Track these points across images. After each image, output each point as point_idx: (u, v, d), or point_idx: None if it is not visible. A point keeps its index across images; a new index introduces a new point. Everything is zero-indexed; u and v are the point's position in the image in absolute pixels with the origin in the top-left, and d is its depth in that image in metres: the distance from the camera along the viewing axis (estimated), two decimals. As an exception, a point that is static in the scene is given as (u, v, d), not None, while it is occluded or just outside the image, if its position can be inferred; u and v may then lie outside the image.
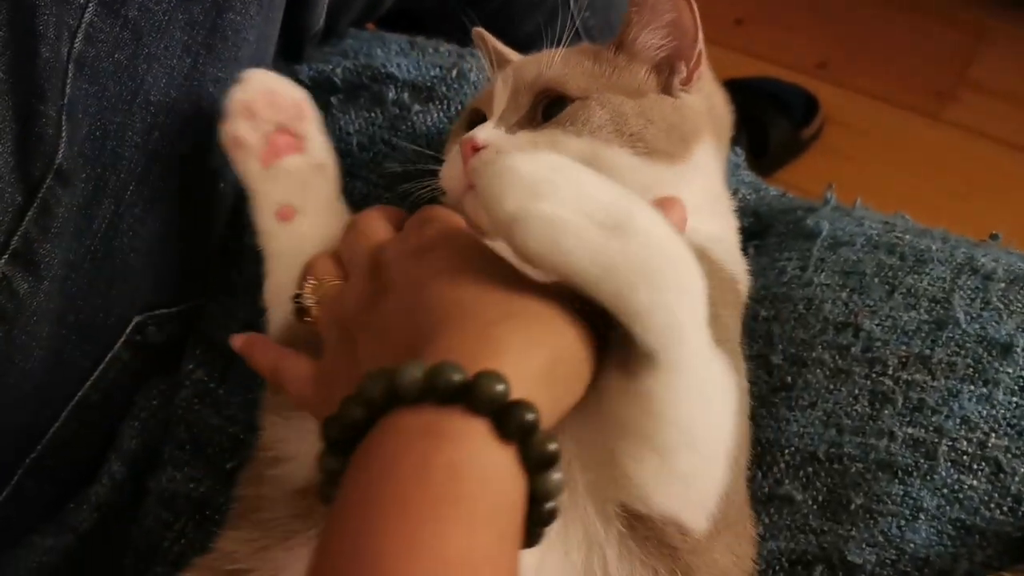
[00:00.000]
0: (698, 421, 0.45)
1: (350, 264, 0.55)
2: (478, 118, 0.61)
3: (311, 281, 0.55)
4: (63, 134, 0.59)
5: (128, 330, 0.67)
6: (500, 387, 0.36)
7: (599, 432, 0.46)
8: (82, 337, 0.65)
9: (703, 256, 0.49)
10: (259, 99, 0.60)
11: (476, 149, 0.56)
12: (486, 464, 0.36)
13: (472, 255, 0.47)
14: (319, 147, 0.62)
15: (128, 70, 0.62)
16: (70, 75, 0.59)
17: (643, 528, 0.46)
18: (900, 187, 1.55)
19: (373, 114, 0.77)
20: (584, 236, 0.41)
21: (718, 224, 0.61)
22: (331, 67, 0.79)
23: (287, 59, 0.80)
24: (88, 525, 0.64)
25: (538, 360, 0.40)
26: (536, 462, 0.37)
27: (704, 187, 0.60)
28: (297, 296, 0.56)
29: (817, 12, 1.84)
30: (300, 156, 0.61)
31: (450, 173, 0.59)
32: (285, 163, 0.60)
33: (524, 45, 0.96)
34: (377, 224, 0.56)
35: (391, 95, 0.77)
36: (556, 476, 0.38)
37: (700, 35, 0.59)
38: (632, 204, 0.43)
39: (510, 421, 0.36)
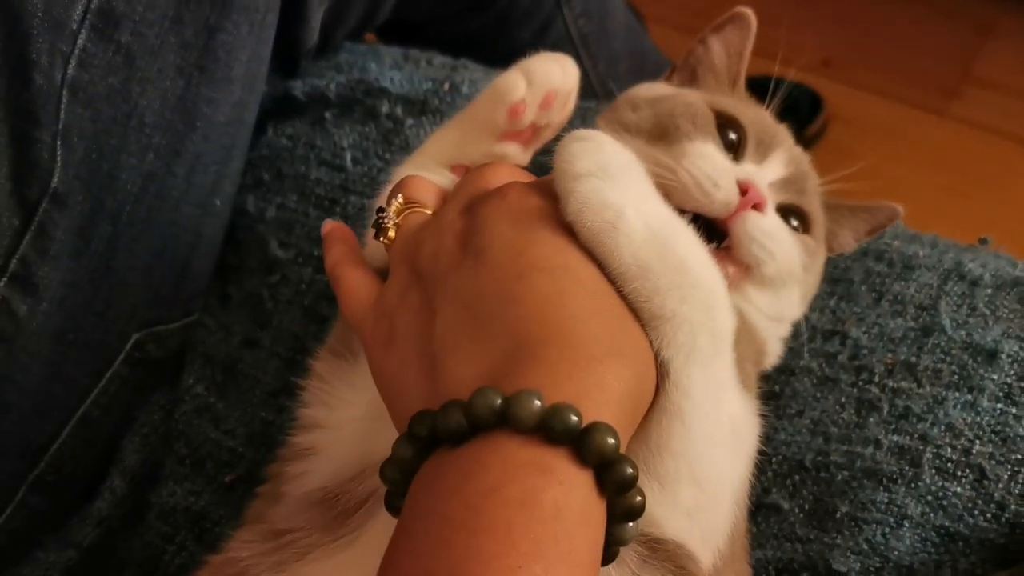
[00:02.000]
0: (705, 457, 0.43)
1: (449, 199, 0.48)
2: (733, 133, 0.56)
3: (398, 200, 0.49)
4: (58, 158, 0.60)
5: (128, 347, 0.68)
6: (611, 441, 0.36)
7: None
8: (82, 355, 0.66)
9: (739, 315, 0.49)
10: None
11: (758, 206, 0.52)
12: (588, 511, 0.36)
13: (580, 252, 0.42)
14: None
15: (122, 93, 0.63)
16: (64, 100, 0.60)
17: (662, 550, 0.45)
18: (906, 184, 1.54)
19: (367, 128, 0.78)
20: (632, 222, 0.41)
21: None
22: (325, 82, 0.80)
23: (282, 74, 0.81)
24: (90, 539, 0.66)
25: (632, 409, 0.40)
26: (623, 513, 0.38)
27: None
28: (380, 211, 0.49)
29: (821, 10, 1.83)
30: None
31: (715, 189, 0.51)
32: None
33: (518, 53, 0.97)
34: (502, 173, 0.48)
35: (384, 109, 0.78)
36: (636, 529, 0.39)
37: None
38: (684, 233, 0.44)
39: (612, 476, 0.37)
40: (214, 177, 0.70)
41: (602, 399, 0.38)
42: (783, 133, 0.59)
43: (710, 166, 0.52)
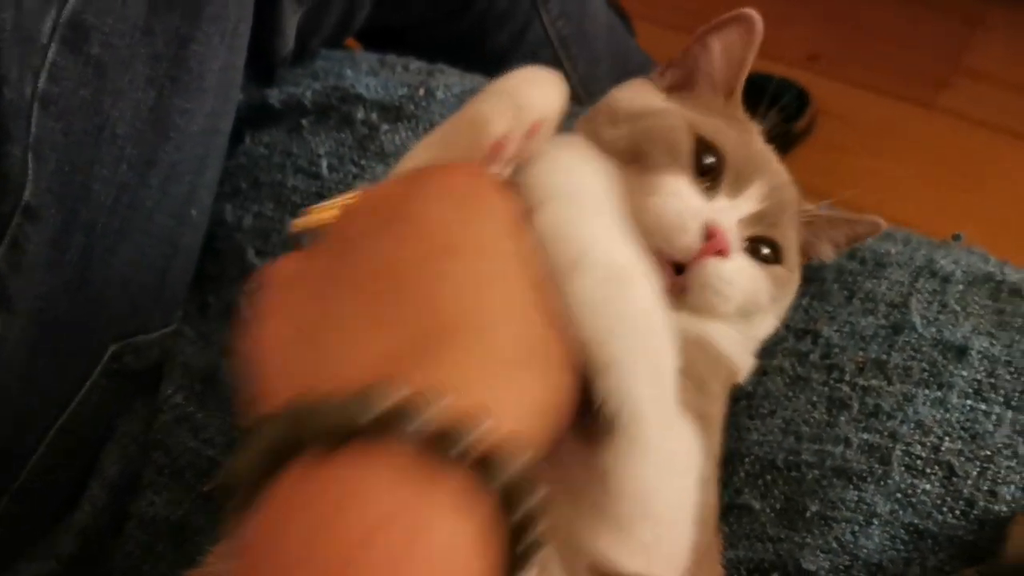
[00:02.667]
0: (657, 492, 0.43)
1: None
2: (711, 162, 0.53)
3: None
4: (29, 172, 0.60)
5: (106, 358, 0.68)
6: (523, 462, 0.31)
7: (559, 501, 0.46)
8: (60, 367, 0.66)
9: (706, 343, 0.51)
10: None
11: (723, 252, 0.50)
12: (484, 545, 0.31)
13: (526, 245, 0.39)
14: None
15: (94, 105, 0.63)
16: (35, 114, 0.60)
17: None
18: (896, 177, 1.55)
19: (343, 135, 0.78)
20: (595, 270, 0.40)
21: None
22: (301, 90, 0.80)
23: (259, 82, 0.82)
24: (71, 550, 0.66)
25: (547, 427, 0.36)
26: (527, 548, 0.32)
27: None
28: None
29: (809, 5, 1.83)
30: None
31: (681, 232, 0.50)
32: None
33: (497, 56, 0.97)
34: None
35: (360, 115, 0.78)
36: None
37: None
38: (637, 272, 0.42)
39: (519, 504, 0.31)
40: (189, 187, 0.70)
41: (517, 411, 0.33)
42: (765, 160, 0.57)
43: (678, 207, 0.50)
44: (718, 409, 0.52)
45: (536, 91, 0.50)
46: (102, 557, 0.67)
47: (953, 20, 1.75)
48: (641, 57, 1.23)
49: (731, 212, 0.52)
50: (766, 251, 0.54)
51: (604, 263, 0.41)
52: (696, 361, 0.47)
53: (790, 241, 0.56)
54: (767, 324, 0.57)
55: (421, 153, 0.53)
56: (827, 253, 0.62)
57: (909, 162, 1.59)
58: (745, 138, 0.56)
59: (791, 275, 0.57)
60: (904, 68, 1.70)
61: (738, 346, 0.54)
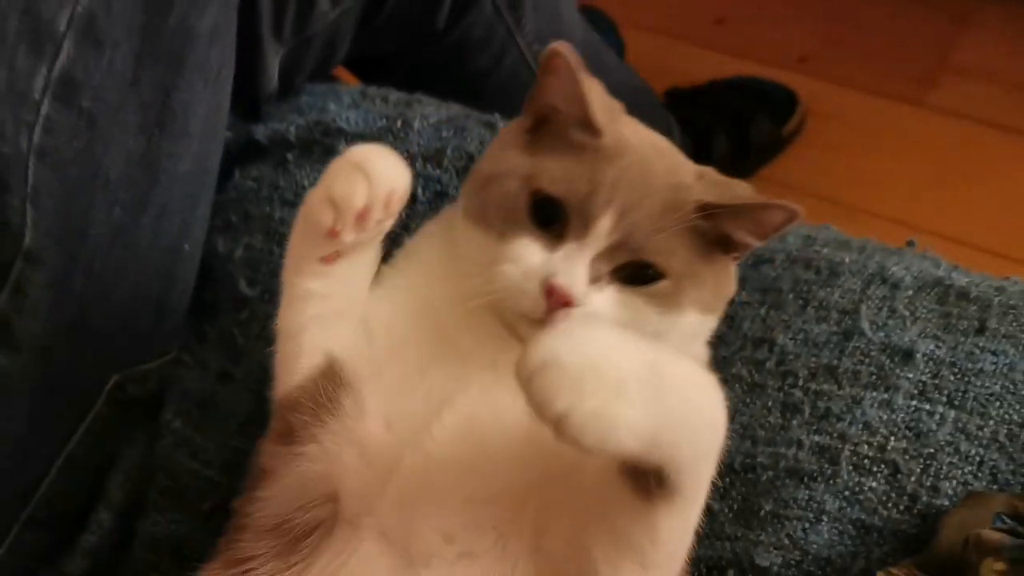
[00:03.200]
0: (688, 534, 0.50)
1: None
2: (553, 212, 0.55)
3: None
4: (28, 220, 0.65)
5: (108, 388, 0.73)
6: None
7: (574, 525, 0.49)
8: (64, 399, 0.71)
9: None
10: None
11: (568, 304, 0.53)
12: None
13: None
14: None
15: (87, 154, 0.68)
16: (32, 166, 0.65)
17: None
18: (886, 175, 1.57)
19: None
20: (631, 421, 0.42)
21: (704, 345, 0.63)
22: (286, 125, 0.84)
23: (246, 119, 0.86)
24: (80, 571, 0.71)
25: None
26: None
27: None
28: None
29: (797, 7, 1.86)
30: None
31: (523, 299, 0.54)
32: None
33: (473, 81, 1.01)
34: None
35: (341, 147, 0.81)
36: None
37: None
38: (665, 365, 0.43)
39: None
40: (181, 224, 0.74)
41: None
42: (622, 182, 0.55)
43: (515, 274, 0.53)
44: None
45: (382, 164, 0.55)
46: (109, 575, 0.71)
47: (940, 18, 1.76)
48: (622, 73, 1.27)
49: (578, 257, 0.53)
50: (643, 273, 0.55)
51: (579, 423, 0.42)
52: None
53: (666, 252, 0.55)
54: (688, 324, 0.57)
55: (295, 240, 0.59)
56: (747, 241, 0.59)
57: (900, 159, 1.60)
58: (599, 167, 0.55)
59: (678, 282, 0.56)
60: (893, 67, 1.72)
61: (697, 356, 0.59)
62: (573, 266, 0.53)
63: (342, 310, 0.58)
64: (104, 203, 0.69)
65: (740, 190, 0.58)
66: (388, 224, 0.57)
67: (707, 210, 0.55)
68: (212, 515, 0.71)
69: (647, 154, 0.57)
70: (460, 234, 0.58)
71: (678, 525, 0.48)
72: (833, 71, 1.74)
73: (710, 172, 0.59)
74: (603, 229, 0.53)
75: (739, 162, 1.55)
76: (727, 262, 0.59)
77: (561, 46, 0.56)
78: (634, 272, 0.54)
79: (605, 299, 0.54)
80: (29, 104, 0.65)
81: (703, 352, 0.61)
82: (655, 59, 1.71)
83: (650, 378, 0.42)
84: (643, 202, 0.54)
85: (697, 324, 0.58)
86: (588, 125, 0.56)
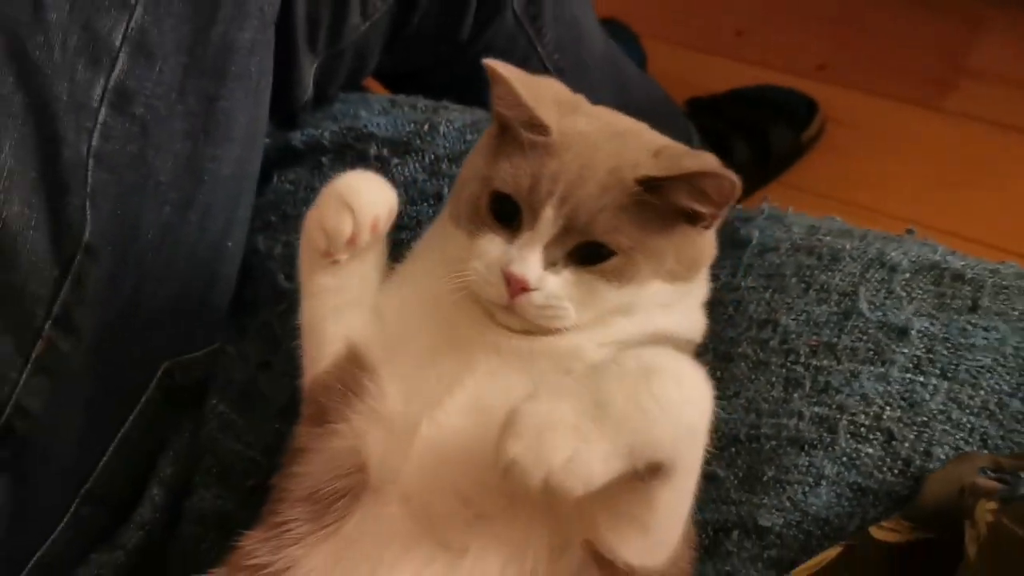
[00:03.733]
0: (686, 503, 0.54)
1: None
2: (509, 208, 0.60)
3: None
4: (87, 218, 0.71)
5: (158, 375, 0.79)
6: None
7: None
8: (120, 384, 0.77)
9: (665, 340, 0.61)
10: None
11: (525, 288, 0.58)
12: None
13: None
14: None
15: (139, 158, 0.74)
16: (90, 168, 0.71)
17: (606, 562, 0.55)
18: (905, 178, 1.60)
19: (358, 169, 0.87)
20: (600, 452, 0.47)
21: (688, 309, 0.67)
22: (320, 131, 0.90)
23: (283, 126, 0.92)
24: (135, 543, 0.76)
25: None
26: None
27: (700, 285, 0.67)
28: None
29: (814, 16, 1.90)
30: None
31: (489, 288, 0.59)
32: None
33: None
34: None
35: (373, 151, 0.88)
36: None
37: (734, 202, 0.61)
38: (607, 382, 0.48)
39: None
40: (224, 223, 0.80)
41: None
42: (563, 171, 0.58)
43: (480, 267, 0.59)
44: None
45: (366, 195, 0.62)
46: (161, 548, 0.76)
47: (954, 22, 1.80)
48: (643, 81, 1.31)
49: (531, 246, 0.58)
50: (598, 250, 0.58)
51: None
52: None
53: (618, 227, 0.58)
54: (661, 292, 0.61)
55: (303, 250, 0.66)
56: (705, 210, 0.60)
57: (918, 163, 1.63)
58: (543, 161, 0.59)
59: (631, 257, 0.58)
60: (909, 72, 1.75)
61: (677, 322, 0.63)
62: (526, 254, 0.58)
63: (355, 300, 0.65)
64: (154, 203, 0.75)
65: (690, 161, 0.60)
66: (384, 232, 0.65)
67: (646, 184, 0.58)
68: (254, 492, 0.77)
69: (596, 140, 0.61)
70: (447, 234, 0.64)
71: (675, 496, 0.52)
72: (851, 78, 1.77)
73: (671, 147, 0.62)
74: (548, 217, 0.58)
75: (760, 169, 1.59)
76: (692, 232, 0.61)
77: (491, 61, 0.61)
78: (590, 253, 0.58)
79: (561, 281, 0.58)
80: (88, 112, 0.71)
81: (693, 317, 0.65)
82: (677, 70, 1.76)
83: (595, 406, 0.48)
84: (582, 186, 0.58)
85: (666, 293, 0.61)
86: (536, 125, 0.60)
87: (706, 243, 0.64)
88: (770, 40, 1.87)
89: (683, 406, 0.49)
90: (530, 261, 0.58)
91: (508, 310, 0.59)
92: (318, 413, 0.64)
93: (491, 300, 0.59)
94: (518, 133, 0.60)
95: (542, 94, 0.62)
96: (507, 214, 0.60)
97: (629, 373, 0.49)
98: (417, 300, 0.64)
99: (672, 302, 0.62)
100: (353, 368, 0.62)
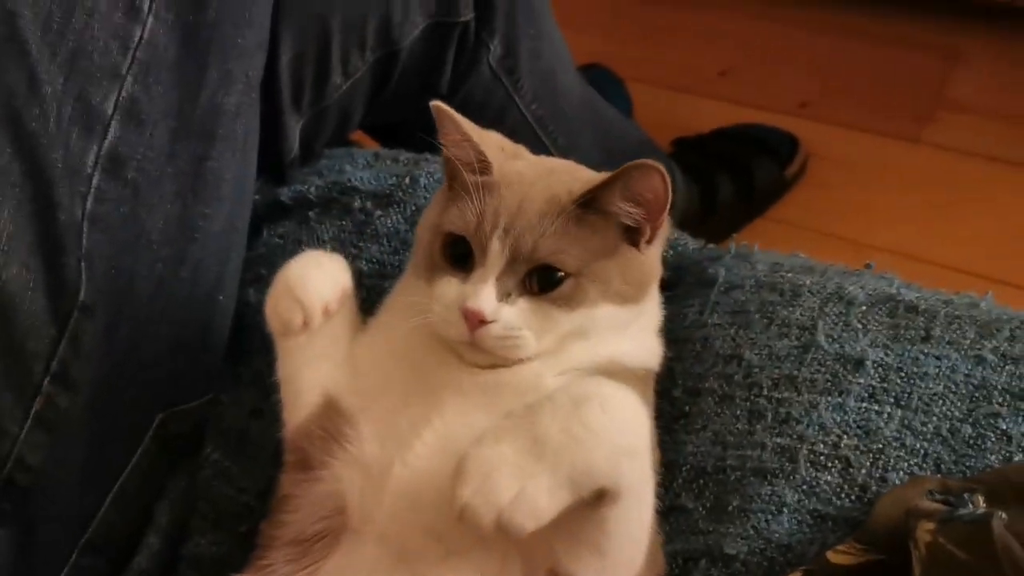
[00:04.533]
0: (641, 523, 0.57)
1: None
2: (461, 249, 0.64)
3: None
4: (83, 277, 0.74)
5: (154, 426, 0.82)
6: None
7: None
8: (116, 436, 0.80)
9: (620, 368, 0.64)
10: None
11: (483, 321, 0.61)
12: None
13: None
14: None
15: (132, 219, 0.77)
16: (85, 230, 0.75)
17: None
18: (888, 210, 1.63)
19: (343, 222, 0.91)
20: (544, 486, 0.50)
21: (641, 335, 0.70)
22: (307, 187, 0.94)
23: (271, 183, 0.96)
24: (133, 590, 0.79)
25: None
26: None
27: (651, 309, 0.71)
28: None
29: (796, 55, 1.94)
30: None
31: (450, 328, 0.63)
32: None
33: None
34: None
35: (357, 204, 0.91)
36: None
37: (668, 206, 0.65)
38: (540, 417, 0.52)
39: None
40: (215, 278, 0.84)
41: None
42: (504, 206, 0.63)
43: (439, 310, 0.63)
44: (642, 394, 0.63)
45: (313, 284, 0.67)
46: (159, 594, 0.79)
47: (933, 57, 1.84)
48: (623, 124, 1.35)
49: (485, 279, 0.62)
50: (548, 277, 0.62)
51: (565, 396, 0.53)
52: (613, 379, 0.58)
53: (562, 249, 0.62)
54: (612, 314, 0.64)
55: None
56: (642, 218, 0.64)
57: (901, 195, 1.66)
58: (485, 199, 0.63)
59: (585, 275, 0.62)
60: (890, 106, 1.79)
61: (631, 349, 0.66)
62: (479, 289, 0.61)
63: (327, 354, 0.69)
64: (147, 260, 0.79)
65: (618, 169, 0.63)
66: (336, 311, 0.69)
67: (582, 202, 0.63)
68: (249, 537, 0.79)
69: (532, 177, 0.65)
70: (410, 287, 0.68)
71: (626, 517, 0.55)
72: (833, 114, 1.81)
73: (600, 175, 0.66)
74: (496, 250, 0.62)
75: (744, 205, 1.63)
76: (635, 252, 0.65)
77: (436, 104, 0.66)
78: (543, 280, 0.62)
79: (516, 311, 0.62)
80: (82, 178, 0.75)
81: (647, 344, 0.68)
82: (661, 111, 1.80)
83: (533, 443, 0.51)
84: (523, 216, 0.62)
85: (617, 316, 0.65)
86: (480, 162, 0.65)
87: (650, 262, 0.67)
88: (752, 80, 1.91)
89: (613, 430, 0.52)
90: (483, 295, 0.61)
91: (472, 346, 0.62)
92: (301, 460, 0.67)
93: (454, 339, 0.63)
94: (463, 178, 0.65)
95: (486, 139, 0.67)
96: (460, 256, 0.64)
97: (561, 407, 0.52)
98: (388, 348, 0.67)
99: (624, 324, 0.66)
100: (332, 415, 0.66)
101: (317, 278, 0.68)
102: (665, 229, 0.69)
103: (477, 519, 0.50)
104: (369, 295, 0.86)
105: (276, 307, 0.68)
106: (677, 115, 1.81)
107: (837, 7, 1.96)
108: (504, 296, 0.62)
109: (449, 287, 0.64)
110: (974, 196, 1.64)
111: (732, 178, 1.63)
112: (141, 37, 0.77)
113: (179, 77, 0.79)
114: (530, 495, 0.50)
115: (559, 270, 0.62)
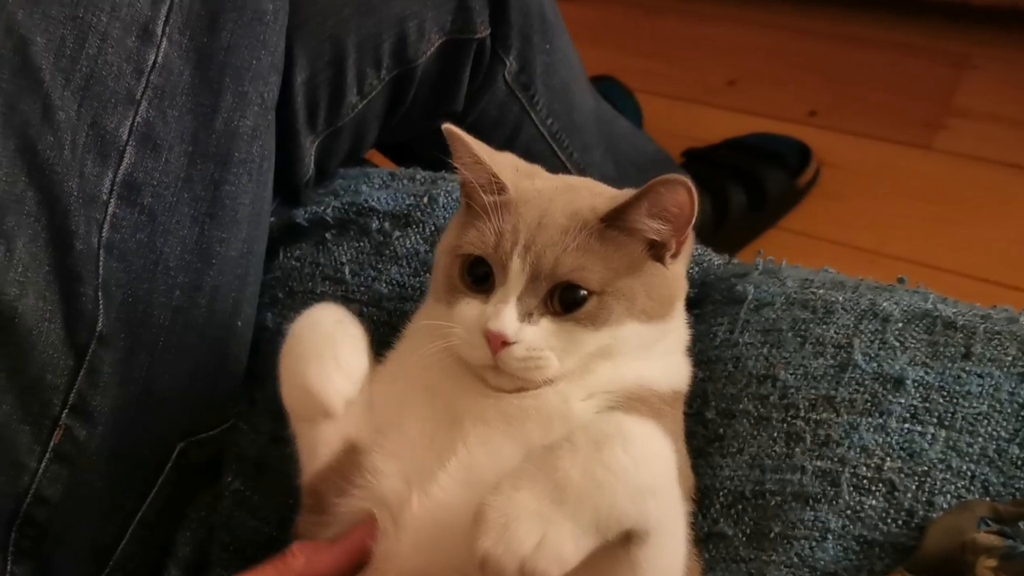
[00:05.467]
0: (673, 560, 0.55)
1: None
2: (480, 270, 0.63)
3: None
4: (100, 307, 0.73)
5: (174, 455, 0.80)
6: None
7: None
8: (136, 467, 0.78)
9: (648, 392, 0.62)
10: None
11: (506, 343, 0.59)
12: None
13: None
14: None
15: (148, 246, 0.76)
16: (102, 259, 0.73)
17: None
18: (900, 218, 1.62)
19: (361, 243, 0.90)
20: (568, 532, 0.49)
21: (668, 355, 0.68)
22: (323, 208, 0.92)
23: (287, 204, 0.95)
24: (155, 624, 0.77)
25: None
26: None
27: (677, 327, 0.69)
28: None
29: (804, 64, 1.93)
30: None
31: (473, 351, 0.61)
32: None
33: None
34: None
35: (374, 225, 0.90)
36: None
37: (694, 219, 0.63)
38: (559, 462, 0.50)
39: None
40: (233, 303, 0.82)
41: None
42: (523, 223, 0.61)
43: (464, 328, 0.61)
44: (680, 435, 0.63)
45: (331, 381, 0.63)
46: (181, 627, 0.77)
47: (941, 64, 1.83)
48: (635, 137, 1.34)
49: (506, 300, 0.60)
50: (571, 295, 0.60)
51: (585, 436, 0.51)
52: (640, 407, 0.56)
53: (585, 266, 0.60)
54: (638, 332, 0.62)
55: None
56: (667, 234, 0.63)
57: (913, 203, 1.65)
58: (503, 218, 0.62)
59: (610, 293, 0.61)
60: (900, 114, 1.78)
61: (658, 370, 0.64)
62: (501, 309, 0.60)
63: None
64: (164, 287, 0.77)
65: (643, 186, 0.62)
66: None
67: (606, 219, 0.61)
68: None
69: (551, 194, 0.64)
70: (431, 313, 0.66)
71: (658, 556, 0.53)
72: (842, 123, 1.80)
73: (623, 192, 0.64)
74: (516, 268, 0.61)
75: (756, 215, 1.61)
76: (659, 267, 0.64)
77: (447, 126, 0.65)
78: (565, 299, 0.60)
79: (539, 331, 0.60)
80: (98, 206, 0.73)
81: (674, 364, 0.67)
82: (672, 123, 1.80)
83: (553, 488, 0.49)
84: (543, 233, 0.61)
85: (644, 334, 0.63)
86: (495, 183, 0.64)
87: (676, 277, 0.66)
88: (761, 89, 1.91)
89: (636, 470, 0.50)
90: (505, 315, 0.60)
91: (496, 370, 0.61)
92: (317, 504, 0.65)
93: (477, 363, 0.61)
94: (480, 199, 0.63)
95: (499, 160, 0.66)
96: (480, 278, 0.62)
97: (581, 448, 0.50)
98: (407, 379, 0.65)
99: (650, 343, 0.64)
100: (351, 457, 0.64)
101: (335, 376, 0.64)
102: (690, 243, 0.68)
103: (500, 568, 0.49)
104: (390, 318, 0.85)
105: (293, 403, 0.66)
106: (687, 126, 1.80)
107: (845, 15, 1.96)
108: (526, 316, 0.60)
109: (469, 309, 0.62)
110: (988, 203, 1.63)
111: (743, 188, 1.62)
112: (155, 61, 0.76)
113: (194, 101, 0.78)
114: (553, 542, 0.49)
115: (582, 288, 0.61)
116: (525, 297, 0.60)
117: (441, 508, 0.59)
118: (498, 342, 0.60)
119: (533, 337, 0.60)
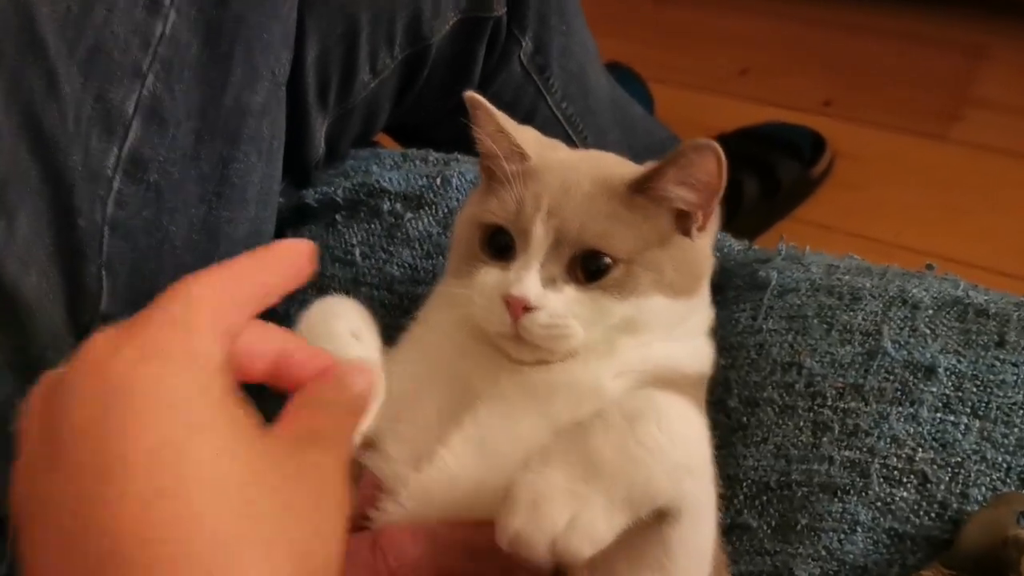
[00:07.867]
0: (704, 542, 0.54)
1: None
2: (502, 240, 0.61)
3: None
4: (104, 286, 0.71)
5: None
6: None
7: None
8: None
9: (676, 374, 0.60)
10: None
11: (528, 308, 0.57)
12: None
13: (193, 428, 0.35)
14: None
15: (154, 224, 0.74)
16: (106, 236, 0.71)
17: None
18: (918, 210, 1.60)
19: (372, 225, 0.88)
20: (601, 510, 0.47)
21: (693, 337, 0.66)
22: (333, 189, 0.90)
23: (296, 185, 0.92)
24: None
25: None
26: None
27: (703, 308, 0.67)
28: None
29: (818, 53, 1.91)
30: None
31: (492, 317, 0.59)
32: None
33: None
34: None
35: (386, 207, 0.88)
36: None
37: (722, 189, 0.61)
38: (592, 439, 0.48)
39: None
40: (240, 284, 0.80)
41: None
42: (545, 190, 0.59)
43: (484, 297, 0.59)
44: (698, 402, 0.61)
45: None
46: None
47: (956, 54, 1.81)
48: (648, 123, 1.32)
49: (528, 266, 0.58)
50: (596, 263, 0.58)
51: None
52: (669, 388, 0.54)
53: (612, 234, 0.58)
54: (664, 307, 0.60)
55: None
56: (694, 202, 0.61)
57: (929, 194, 1.63)
58: (525, 185, 0.60)
59: (634, 263, 0.59)
60: (915, 104, 1.76)
61: (682, 352, 0.62)
62: (523, 275, 0.58)
63: None
64: (171, 267, 0.75)
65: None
66: None
67: (633, 186, 0.59)
68: None
69: (574, 162, 0.63)
70: (447, 291, 0.64)
71: (690, 535, 0.51)
72: (857, 113, 1.78)
73: (650, 164, 0.62)
74: (539, 234, 0.58)
75: (769, 205, 1.59)
76: (687, 241, 0.62)
77: (471, 94, 0.63)
78: (590, 266, 0.58)
79: (563, 298, 0.58)
80: (102, 181, 0.71)
81: (698, 346, 0.64)
82: (684, 111, 1.77)
83: (585, 465, 0.47)
84: (568, 198, 0.59)
85: (670, 310, 0.60)
86: (517, 152, 0.62)
87: (703, 251, 0.64)
88: (774, 78, 1.88)
89: (671, 446, 0.48)
90: (527, 280, 0.57)
91: (517, 340, 0.58)
92: None
93: (497, 332, 0.59)
94: (503, 167, 0.61)
95: (521, 132, 0.65)
96: (502, 247, 0.60)
97: (614, 425, 0.48)
98: (424, 360, 0.63)
99: (675, 321, 0.62)
100: (360, 452, 0.60)
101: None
102: (716, 217, 0.65)
103: (530, 547, 0.47)
104: (402, 301, 0.83)
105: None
106: (699, 115, 1.78)
107: (860, 4, 1.93)
108: (549, 283, 0.58)
109: (490, 276, 0.60)
110: (1003, 193, 1.61)
111: (757, 176, 1.60)
112: (163, 33, 0.73)
113: (203, 75, 0.75)
114: (585, 520, 0.47)
115: (606, 255, 0.59)
116: (548, 264, 0.58)
117: (451, 478, 0.57)
118: (519, 307, 0.57)
119: (556, 304, 0.58)
